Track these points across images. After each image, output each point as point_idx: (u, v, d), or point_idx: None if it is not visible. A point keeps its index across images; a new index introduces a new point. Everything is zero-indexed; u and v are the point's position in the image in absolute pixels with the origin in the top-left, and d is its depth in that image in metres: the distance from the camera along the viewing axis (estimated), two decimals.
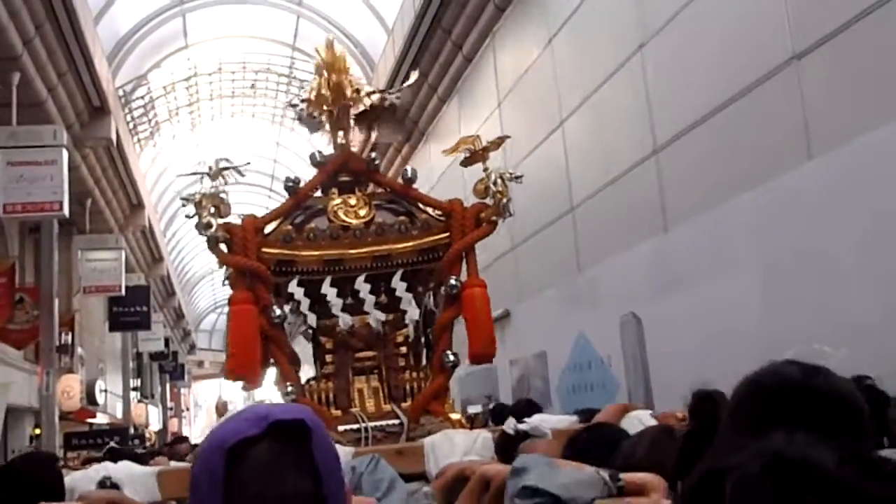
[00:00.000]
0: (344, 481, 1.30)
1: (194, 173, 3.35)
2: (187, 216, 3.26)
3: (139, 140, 20.74)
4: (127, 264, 18.95)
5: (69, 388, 15.95)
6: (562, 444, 2.41)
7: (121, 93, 17.49)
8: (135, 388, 26.06)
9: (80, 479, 2.69)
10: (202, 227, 3.22)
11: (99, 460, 4.16)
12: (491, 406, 8.87)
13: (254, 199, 25.12)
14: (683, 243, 6.78)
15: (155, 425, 30.07)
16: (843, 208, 5.00)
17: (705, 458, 1.01)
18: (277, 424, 1.19)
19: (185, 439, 10.82)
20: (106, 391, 21.13)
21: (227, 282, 3.49)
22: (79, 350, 18.09)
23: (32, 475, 2.49)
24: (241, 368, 3.29)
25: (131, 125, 19.43)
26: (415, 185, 3.64)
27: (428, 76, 13.88)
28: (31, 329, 13.67)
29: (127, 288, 18.41)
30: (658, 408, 6.94)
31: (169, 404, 36.46)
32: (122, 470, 2.81)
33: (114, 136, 15.20)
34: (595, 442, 2.36)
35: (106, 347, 22.84)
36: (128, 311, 20.58)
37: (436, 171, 14.01)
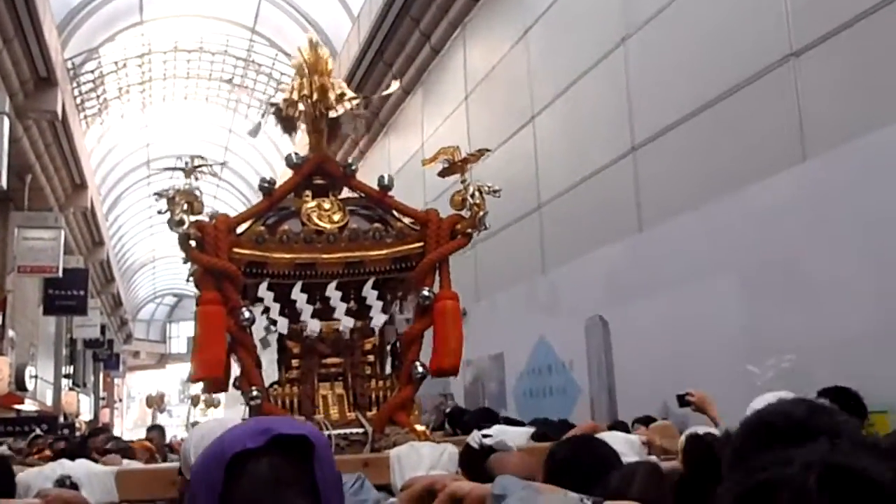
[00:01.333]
0: (344, 500, 1.27)
1: (170, 168, 3.35)
2: (159, 212, 3.21)
3: (86, 117, 19.97)
4: (66, 246, 18.19)
5: None
6: (532, 458, 2.38)
7: (69, 65, 16.77)
8: (67, 376, 25.09)
9: (35, 477, 2.61)
10: (174, 224, 3.17)
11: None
12: (447, 409, 8.59)
13: (203, 187, 24.39)
14: (659, 245, 6.54)
15: (86, 415, 29.09)
16: (837, 213, 4.80)
17: (739, 472, 0.91)
18: (279, 439, 1.16)
19: (105, 429, 10.35)
20: (36, 377, 20.24)
21: (190, 279, 3.46)
22: (10, 332, 17.27)
23: None
24: (208, 370, 3.21)
25: (78, 100, 18.68)
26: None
27: (392, 66, 13.53)
28: None
29: (64, 270, 17.65)
30: (622, 414, 6.72)
31: (102, 394, 35.34)
32: (80, 469, 2.74)
33: (59, 110, 14.54)
34: (576, 455, 2.34)
35: (39, 331, 21.91)
36: (64, 295, 19.76)
37: (394, 165, 13.67)
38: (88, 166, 19.75)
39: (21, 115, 13.88)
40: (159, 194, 3.23)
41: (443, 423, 6.59)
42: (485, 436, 2.61)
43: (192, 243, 3.24)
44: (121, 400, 45.43)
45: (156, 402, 35.41)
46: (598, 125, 7.78)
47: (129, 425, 41.48)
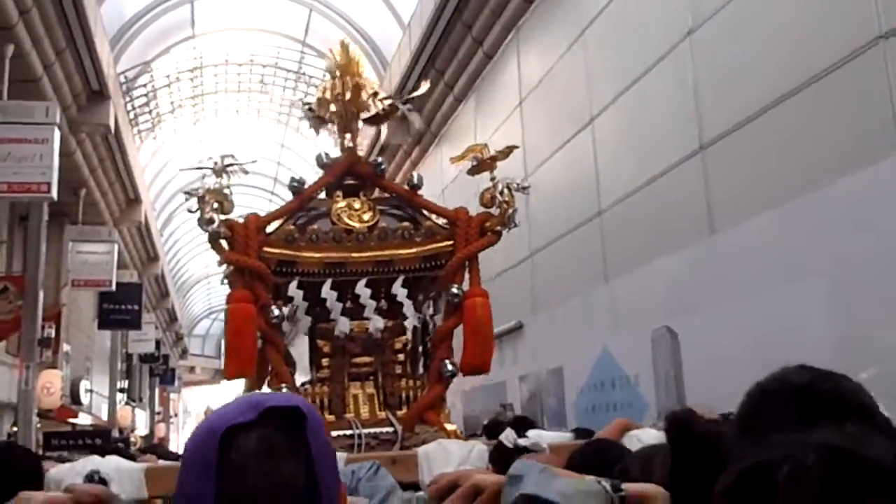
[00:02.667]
0: (339, 471, 1.27)
1: (199, 167, 3.42)
2: (189, 210, 3.29)
3: (139, 132, 20.09)
4: (120, 260, 18.28)
5: (49, 384, 15.23)
6: (561, 460, 2.36)
7: (122, 79, 16.85)
8: (122, 390, 25.27)
9: (67, 472, 2.64)
10: (204, 223, 3.23)
11: None
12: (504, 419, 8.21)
13: (255, 203, 24.46)
14: (734, 248, 6.07)
15: (141, 429, 29.31)
16: None
17: (736, 457, 0.93)
18: (271, 411, 1.16)
19: (160, 446, 10.18)
20: (91, 391, 20.39)
21: (225, 280, 3.51)
22: (65, 346, 17.37)
23: (10, 467, 2.34)
24: (240, 366, 3.22)
25: (131, 115, 18.78)
26: (420, 192, 3.66)
27: (444, 73, 13.24)
28: (13, 320, 12.96)
29: (118, 284, 17.73)
30: None
31: (157, 409, 35.62)
32: (110, 465, 2.78)
33: (112, 124, 14.58)
34: (593, 457, 2.32)
35: (94, 345, 22.11)
36: (118, 309, 19.89)
37: (447, 176, 13.33)
38: (142, 181, 19.85)
39: (74, 128, 13.93)
40: (189, 193, 3.26)
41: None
42: (521, 436, 2.58)
43: (223, 242, 3.28)
44: (176, 415, 45.87)
45: None
46: (663, 125, 7.34)
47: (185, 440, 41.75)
